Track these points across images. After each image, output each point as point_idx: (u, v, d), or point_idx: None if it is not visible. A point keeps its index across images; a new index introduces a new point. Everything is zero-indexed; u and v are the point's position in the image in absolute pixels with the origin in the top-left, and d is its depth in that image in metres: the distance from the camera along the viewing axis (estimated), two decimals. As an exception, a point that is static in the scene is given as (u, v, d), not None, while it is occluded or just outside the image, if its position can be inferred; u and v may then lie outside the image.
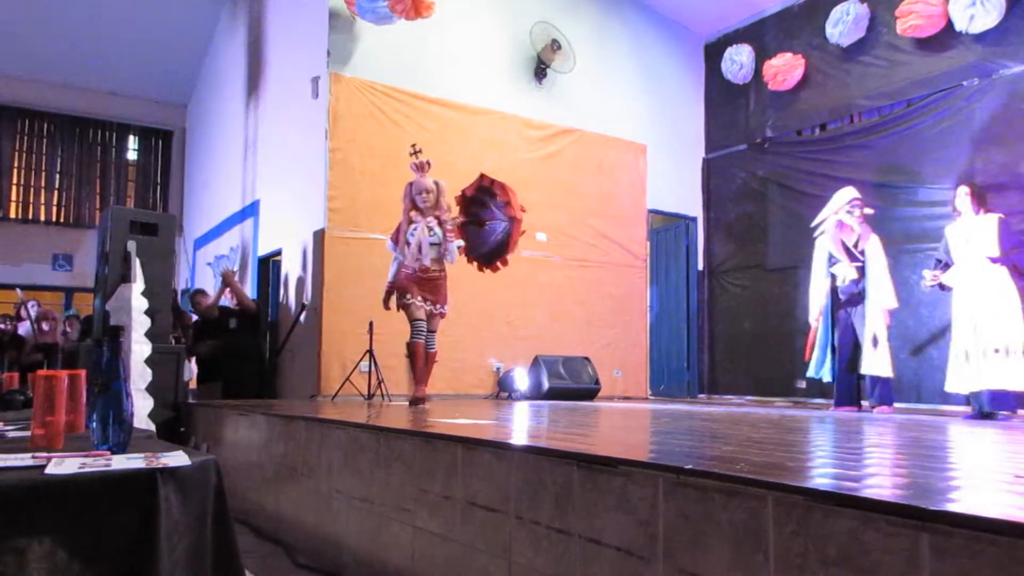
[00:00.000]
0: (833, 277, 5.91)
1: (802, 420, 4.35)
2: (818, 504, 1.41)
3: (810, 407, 6.74)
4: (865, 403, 5.82)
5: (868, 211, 5.88)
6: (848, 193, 5.96)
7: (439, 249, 4.98)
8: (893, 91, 7.37)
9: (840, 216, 5.88)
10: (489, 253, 5.45)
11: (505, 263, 5.51)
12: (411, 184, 5.02)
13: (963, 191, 5.41)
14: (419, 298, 4.92)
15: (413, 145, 5.14)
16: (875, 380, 5.64)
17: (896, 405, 5.91)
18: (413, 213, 5.00)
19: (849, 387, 5.86)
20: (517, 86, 7.76)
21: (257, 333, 7.29)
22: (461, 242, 5.17)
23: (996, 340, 5.02)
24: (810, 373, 6.09)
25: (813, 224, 6.15)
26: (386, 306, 5.08)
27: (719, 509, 1.60)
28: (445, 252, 5.01)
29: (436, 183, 5.01)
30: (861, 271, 5.76)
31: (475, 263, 5.46)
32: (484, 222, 5.46)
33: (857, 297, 5.77)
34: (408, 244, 4.94)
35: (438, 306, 5.03)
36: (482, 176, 5.48)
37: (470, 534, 2.38)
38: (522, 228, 5.36)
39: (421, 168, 5.02)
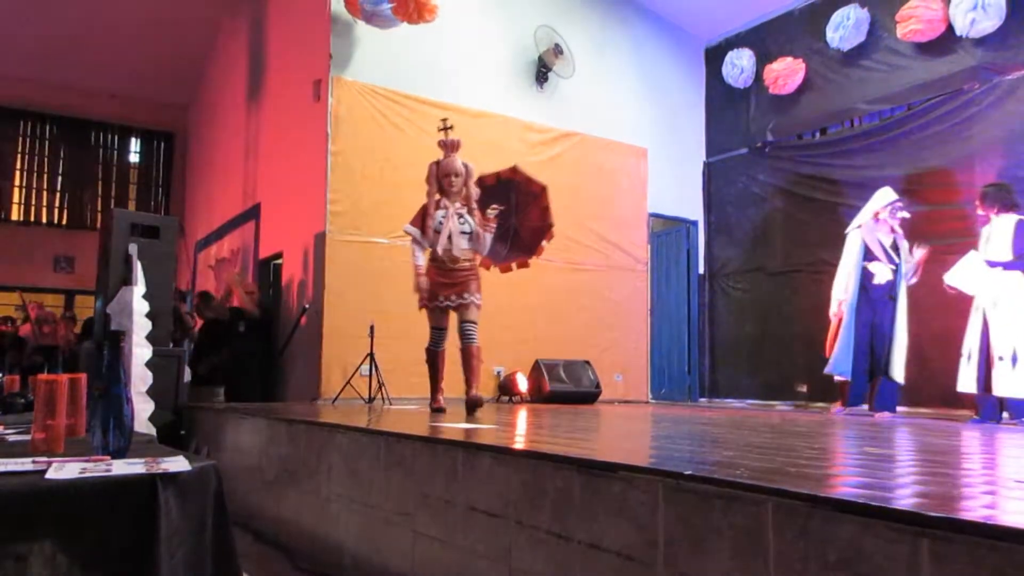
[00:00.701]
0: (867, 274, 5.81)
1: (803, 424, 4.35)
2: (818, 510, 1.41)
3: (811, 411, 6.73)
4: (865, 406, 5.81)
5: (905, 215, 5.86)
6: (890, 194, 5.93)
7: (471, 239, 4.51)
8: (894, 95, 7.37)
9: (882, 215, 5.85)
10: (508, 253, 5.07)
11: (525, 265, 5.14)
12: (436, 164, 4.55)
13: (982, 193, 5.40)
14: (442, 298, 4.47)
15: (444, 120, 4.65)
16: (890, 385, 5.64)
17: (901, 408, 5.91)
18: (439, 198, 4.51)
19: (863, 387, 5.82)
20: (518, 90, 7.77)
21: (266, 337, 7.27)
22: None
23: (1002, 347, 4.97)
24: (829, 369, 5.96)
25: (856, 224, 6.08)
26: (419, 293, 4.54)
27: (719, 514, 1.59)
28: (479, 242, 4.53)
29: (466, 165, 4.54)
30: (895, 273, 5.76)
31: (481, 259, 4.89)
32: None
33: (887, 298, 5.75)
34: (437, 233, 4.44)
35: (467, 295, 4.49)
36: (515, 169, 5.07)
37: (470, 539, 2.38)
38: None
39: (449, 147, 4.54)
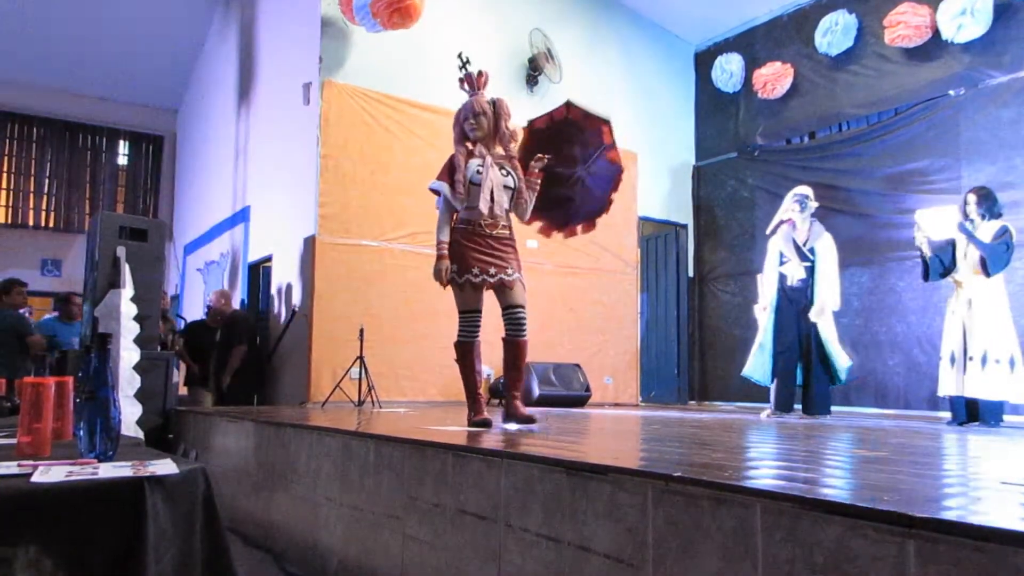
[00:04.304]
0: (782, 277, 5.75)
1: (792, 427, 4.36)
2: (806, 511, 1.42)
3: (799, 414, 6.75)
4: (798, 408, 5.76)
5: (813, 204, 5.78)
6: (794, 191, 5.88)
7: (512, 196, 3.67)
8: (881, 100, 7.43)
9: (789, 214, 5.80)
10: (575, 214, 4.13)
11: (591, 227, 4.21)
12: (461, 107, 3.75)
13: (971, 198, 5.32)
14: (477, 271, 3.56)
15: (460, 55, 3.87)
16: (823, 387, 5.61)
17: (886, 411, 5.92)
18: (472, 146, 3.66)
19: (787, 390, 5.65)
20: (508, 93, 7.66)
21: (255, 341, 7.22)
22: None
23: (976, 348, 5.01)
24: (746, 372, 5.85)
25: (768, 230, 6.04)
26: (441, 280, 3.60)
27: (708, 516, 1.60)
28: (521, 205, 3.70)
29: (494, 103, 3.71)
30: (810, 271, 5.62)
31: (541, 225, 4.12)
32: (560, 170, 4.05)
33: (803, 297, 5.61)
34: (476, 186, 3.55)
35: (511, 271, 3.61)
36: (569, 105, 4.13)
37: (460, 542, 2.37)
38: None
39: (469, 83, 3.76)
